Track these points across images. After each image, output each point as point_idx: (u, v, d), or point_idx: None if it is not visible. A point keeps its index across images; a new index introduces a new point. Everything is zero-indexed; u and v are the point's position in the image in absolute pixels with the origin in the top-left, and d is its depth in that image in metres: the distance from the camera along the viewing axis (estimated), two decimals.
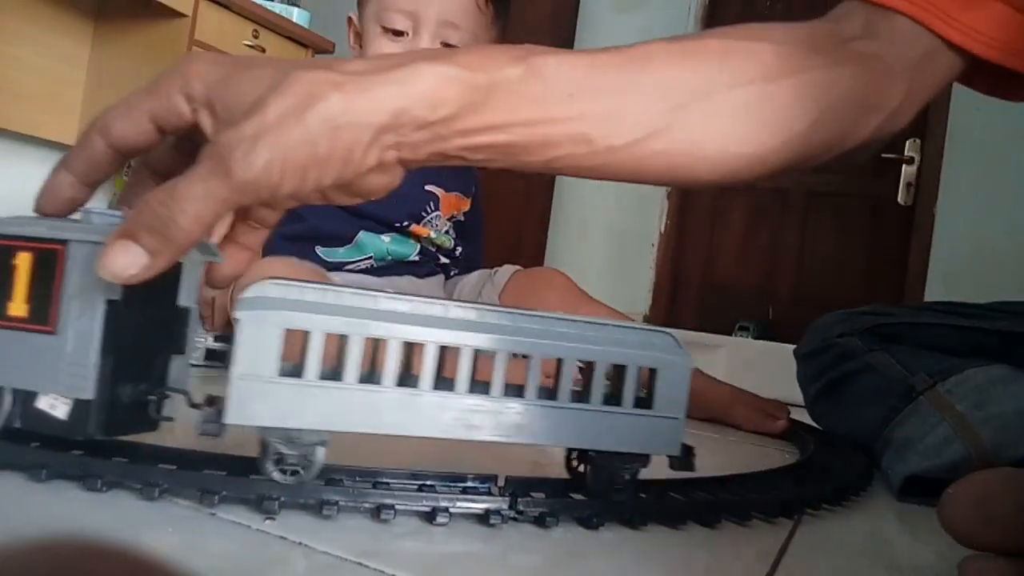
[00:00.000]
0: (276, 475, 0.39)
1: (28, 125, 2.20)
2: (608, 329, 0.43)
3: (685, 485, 0.50)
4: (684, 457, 0.45)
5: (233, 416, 0.37)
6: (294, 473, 0.39)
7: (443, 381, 0.40)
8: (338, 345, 0.39)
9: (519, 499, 0.43)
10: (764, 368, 1.42)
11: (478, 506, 0.42)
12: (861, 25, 0.51)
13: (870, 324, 0.81)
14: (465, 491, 0.43)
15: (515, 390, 0.42)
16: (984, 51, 0.49)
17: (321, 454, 0.39)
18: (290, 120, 0.35)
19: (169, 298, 0.41)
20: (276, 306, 0.37)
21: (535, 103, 0.40)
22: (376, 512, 0.40)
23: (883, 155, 2.67)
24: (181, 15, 2.18)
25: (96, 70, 2.31)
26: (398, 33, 0.89)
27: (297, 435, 0.38)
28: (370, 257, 0.92)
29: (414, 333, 0.39)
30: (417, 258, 0.95)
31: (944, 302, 0.85)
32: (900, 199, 2.65)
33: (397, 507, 0.41)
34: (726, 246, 2.94)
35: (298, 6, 2.53)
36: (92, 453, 0.40)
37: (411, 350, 0.40)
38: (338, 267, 0.92)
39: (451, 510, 0.41)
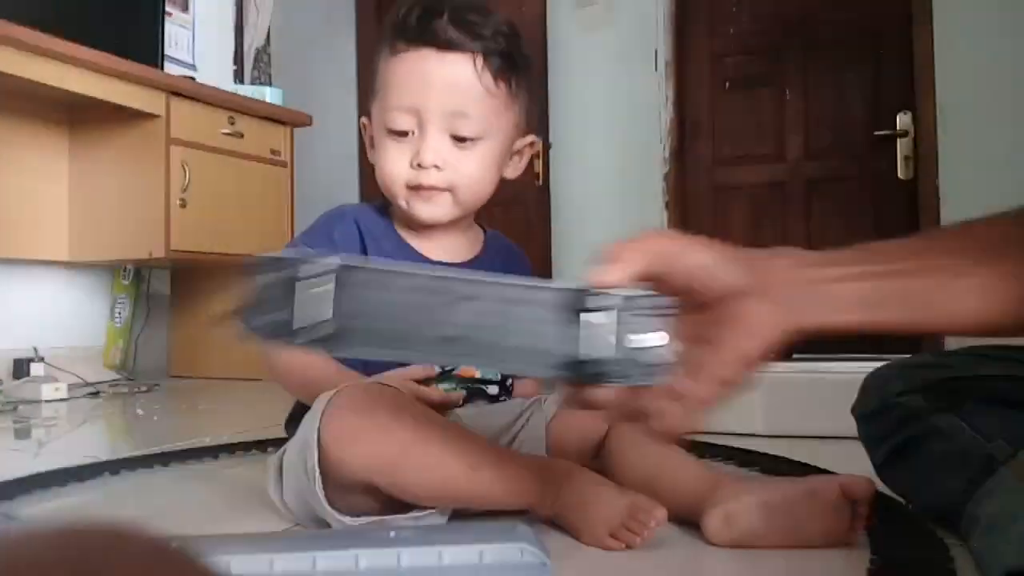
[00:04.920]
0: None
1: (21, 249, 2.19)
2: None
3: None
4: None
5: None
6: None
7: None
8: None
9: None
10: (804, 400, 1.29)
11: None
12: None
13: (931, 380, 0.76)
14: None
15: None
16: None
17: None
18: None
19: None
20: None
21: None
22: None
23: (876, 132, 2.64)
24: (154, 116, 2.17)
25: (76, 183, 2.30)
26: (401, 133, 0.83)
27: None
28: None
29: None
30: (464, 391, 0.89)
31: (997, 346, 0.78)
32: (900, 174, 2.61)
33: None
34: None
35: (270, 85, 2.53)
36: None
37: None
38: None
39: None
